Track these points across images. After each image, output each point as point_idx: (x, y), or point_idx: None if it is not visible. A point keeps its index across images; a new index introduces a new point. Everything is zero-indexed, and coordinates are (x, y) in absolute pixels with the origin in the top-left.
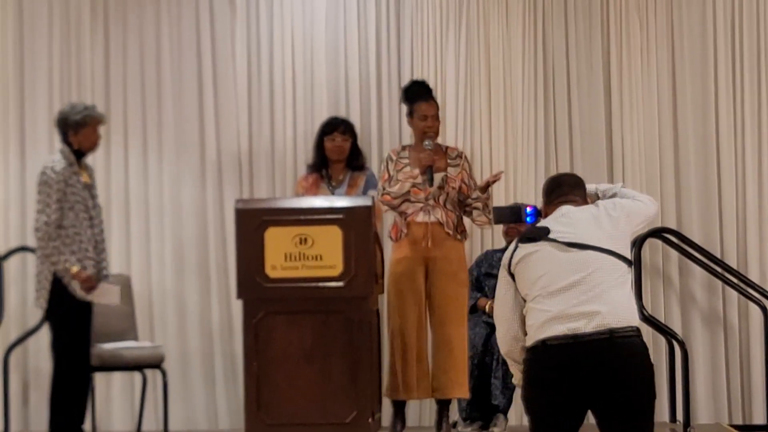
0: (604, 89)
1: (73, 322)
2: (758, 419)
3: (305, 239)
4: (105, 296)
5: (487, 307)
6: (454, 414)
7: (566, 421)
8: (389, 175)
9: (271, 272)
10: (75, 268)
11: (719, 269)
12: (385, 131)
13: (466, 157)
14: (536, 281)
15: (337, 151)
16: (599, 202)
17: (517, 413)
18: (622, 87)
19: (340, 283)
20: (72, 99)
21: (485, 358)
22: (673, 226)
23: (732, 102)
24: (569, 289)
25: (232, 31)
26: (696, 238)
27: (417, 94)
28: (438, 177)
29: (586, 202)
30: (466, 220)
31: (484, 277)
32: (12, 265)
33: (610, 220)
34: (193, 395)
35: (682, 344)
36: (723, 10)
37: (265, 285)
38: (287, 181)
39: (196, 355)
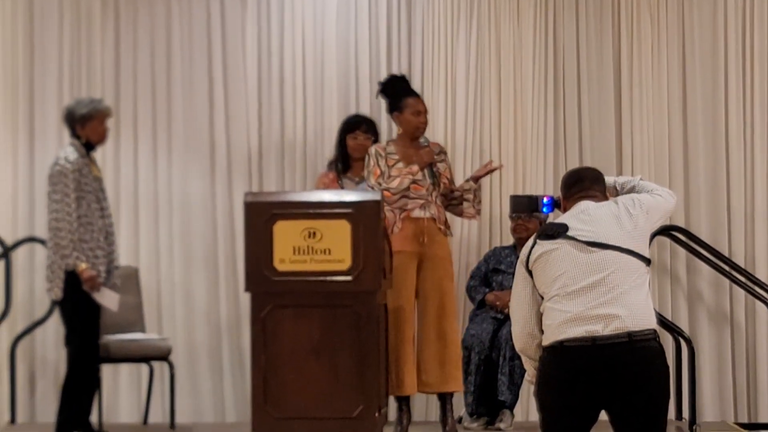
0: (614, 87)
1: (84, 313)
2: (764, 417)
3: (314, 233)
4: (105, 300)
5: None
6: (460, 409)
7: (579, 421)
8: (381, 170)
9: (280, 266)
10: (83, 266)
11: (727, 267)
12: (394, 128)
13: (445, 151)
14: (554, 280)
15: (359, 149)
16: (618, 198)
17: (524, 409)
18: (632, 85)
19: (349, 278)
20: (82, 93)
21: (492, 354)
22: (681, 224)
23: (742, 100)
24: (588, 290)
25: (243, 25)
26: (704, 237)
27: (405, 89)
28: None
29: (605, 197)
30: (449, 215)
31: (491, 272)
32: (20, 255)
33: (630, 218)
34: (200, 388)
35: (688, 342)
36: (734, 9)
37: (274, 278)
38: (296, 176)
39: (203, 347)
